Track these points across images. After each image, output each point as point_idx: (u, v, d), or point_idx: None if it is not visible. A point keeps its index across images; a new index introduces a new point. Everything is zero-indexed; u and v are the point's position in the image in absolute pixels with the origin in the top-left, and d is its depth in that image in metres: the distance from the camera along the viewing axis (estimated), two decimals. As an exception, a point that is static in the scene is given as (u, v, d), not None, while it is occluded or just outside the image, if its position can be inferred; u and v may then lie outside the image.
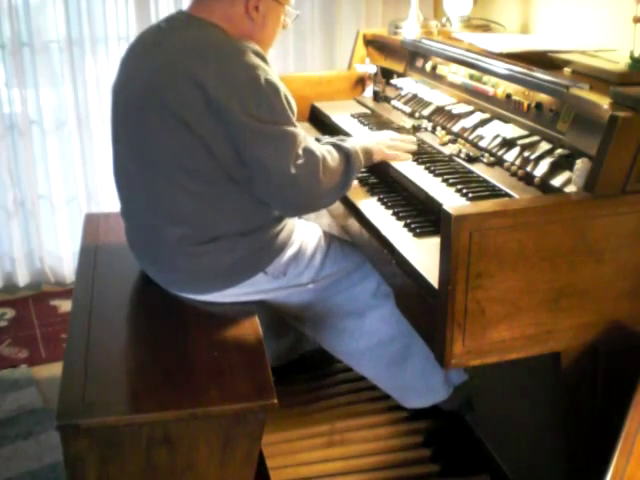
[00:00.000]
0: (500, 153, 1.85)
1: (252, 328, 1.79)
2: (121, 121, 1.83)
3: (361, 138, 2.02)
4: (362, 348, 2.01)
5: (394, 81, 2.57)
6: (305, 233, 1.98)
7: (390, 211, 1.80)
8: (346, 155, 1.84)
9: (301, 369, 2.39)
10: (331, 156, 1.81)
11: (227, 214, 1.79)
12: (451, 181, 1.79)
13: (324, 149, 1.81)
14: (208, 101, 1.65)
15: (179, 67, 1.68)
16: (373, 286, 2.01)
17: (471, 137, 2.00)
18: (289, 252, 1.90)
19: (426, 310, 1.46)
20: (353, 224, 1.89)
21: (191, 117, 1.67)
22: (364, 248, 1.84)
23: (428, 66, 2.40)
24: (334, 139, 1.96)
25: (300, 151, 1.72)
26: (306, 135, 1.78)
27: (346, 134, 2.31)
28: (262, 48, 1.80)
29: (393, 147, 2.00)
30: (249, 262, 1.84)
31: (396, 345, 2.00)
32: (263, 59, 1.74)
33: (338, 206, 1.97)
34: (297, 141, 1.72)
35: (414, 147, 2.03)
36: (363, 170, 1.99)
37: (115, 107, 1.85)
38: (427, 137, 2.15)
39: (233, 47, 1.72)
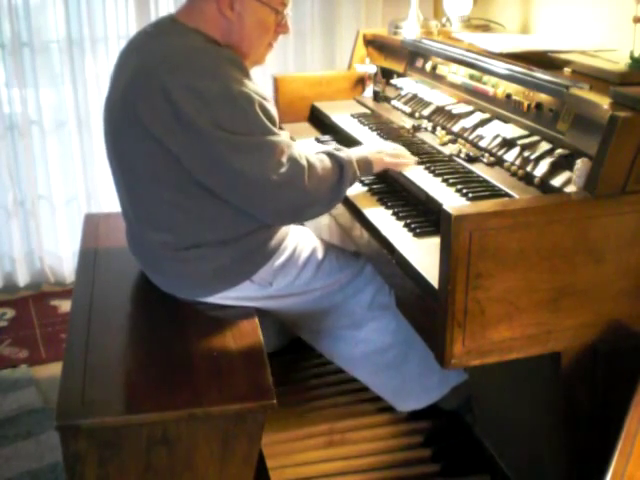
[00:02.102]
0: (500, 153, 1.85)
1: (251, 328, 1.79)
2: (106, 125, 1.82)
3: (360, 148, 1.97)
4: (358, 355, 2.00)
5: (394, 81, 2.57)
6: (298, 242, 1.93)
7: (390, 211, 1.79)
8: (339, 164, 1.79)
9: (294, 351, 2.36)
10: (322, 164, 1.77)
11: (207, 222, 1.76)
12: (451, 181, 1.79)
13: (315, 158, 1.77)
14: (178, 116, 1.62)
15: (152, 80, 1.64)
16: (367, 299, 1.97)
17: (471, 137, 2.00)
18: (277, 261, 1.86)
19: (426, 310, 1.46)
20: (353, 224, 1.88)
21: (161, 132, 1.64)
22: (364, 248, 1.84)
23: (428, 66, 2.40)
24: (331, 148, 1.91)
25: (284, 159, 1.68)
26: (291, 143, 1.74)
27: (346, 134, 2.31)
28: (245, 52, 1.77)
29: (394, 156, 1.94)
30: (233, 270, 1.81)
31: (392, 352, 1.98)
32: (240, 68, 1.69)
33: (338, 206, 1.96)
34: (277, 150, 1.67)
35: (415, 158, 1.96)
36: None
37: (104, 110, 1.83)
38: (427, 137, 2.14)
39: (208, 57, 1.68)
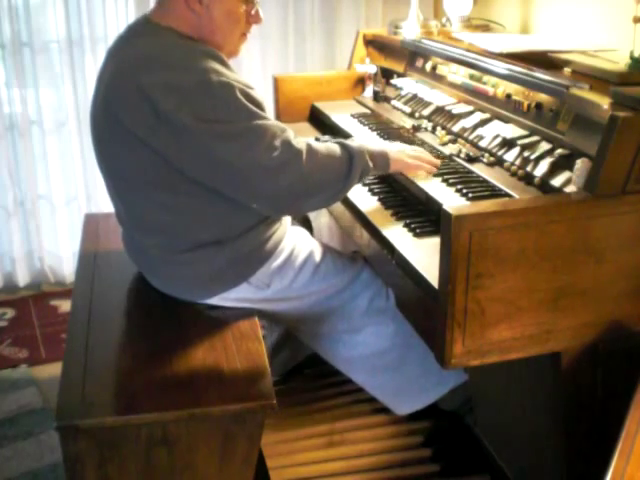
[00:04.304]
0: (500, 153, 1.85)
1: (252, 329, 1.79)
2: (92, 131, 1.81)
3: (380, 143, 1.89)
4: (356, 357, 1.98)
5: (394, 81, 2.57)
6: (295, 244, 1.89)
7: (390, 211, 1.79)
8: (349, 154, 1.74)
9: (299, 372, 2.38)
10: (328, 151, 1.72)
11: (199, 223, 1.74)
12: (451, 181, 1.79)
13: (321, 145, 1.73)
14: (157, 115, 1.60)
15: (128, 82, 1.63)
16: (365, 303, 1.94)
17: (471, 137, 2.00)
18: (274, 264, 1.83)
19: (426, 310, 1.46)
20: (352, 224, 1.88)
21: (144, 132, 1.63)
22: (364, 248, 1.84)
23: (428, 66, 2.40)
24: (345, 140, 1.84)
25: (276, 143, 1.63)
26: (287, 128, 1.69)
27: (346, 134, 2.31)
28: (219, 44, 1.74)
29: (416, 158, 1.86)
30: (229, 272, 1.79)
31: (390, 355, 1.97)
32: (216, 59, 1.67)
33: (337, 205, 1.97)
34: (267, 133, 1.63)
35: (438, 161, 1.89)
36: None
37: (89, 117, 1.82)
38: (427, 137, 2.14)
39: (182, 53, 1.66)
